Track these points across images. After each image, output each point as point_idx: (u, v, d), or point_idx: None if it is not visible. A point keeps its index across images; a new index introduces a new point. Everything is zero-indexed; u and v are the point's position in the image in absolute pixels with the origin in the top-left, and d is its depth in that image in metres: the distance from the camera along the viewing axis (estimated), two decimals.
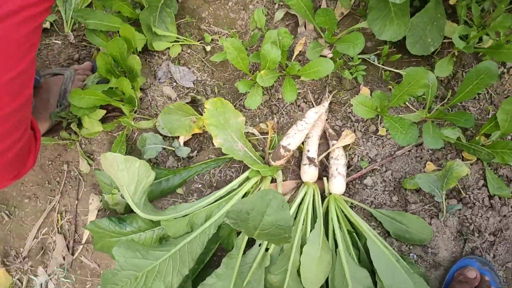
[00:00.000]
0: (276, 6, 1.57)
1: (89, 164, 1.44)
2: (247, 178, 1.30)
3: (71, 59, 1.58)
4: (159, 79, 1.51)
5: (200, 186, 1.41)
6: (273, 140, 1.35)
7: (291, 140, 1.26)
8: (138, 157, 1.36)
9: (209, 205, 1.25)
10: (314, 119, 1.29)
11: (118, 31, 1.40)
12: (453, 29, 1.40)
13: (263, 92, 1.46)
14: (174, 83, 1.51)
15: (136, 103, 1.43)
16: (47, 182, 1.46)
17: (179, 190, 1.39)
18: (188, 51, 1.54)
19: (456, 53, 1.41)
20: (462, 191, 1.27)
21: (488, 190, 1.26)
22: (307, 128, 1.28)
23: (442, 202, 1.20)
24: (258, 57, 1.41)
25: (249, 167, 1.28)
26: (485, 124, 1.25)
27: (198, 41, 1.55)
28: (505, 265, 1.23)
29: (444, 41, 1.43)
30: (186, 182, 1.40)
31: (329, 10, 1.36)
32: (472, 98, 1.35)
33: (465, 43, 1.31)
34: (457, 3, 1.44)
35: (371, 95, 1.41)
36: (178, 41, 1.52)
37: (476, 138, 1.27)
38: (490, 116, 1.35)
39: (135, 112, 1.47)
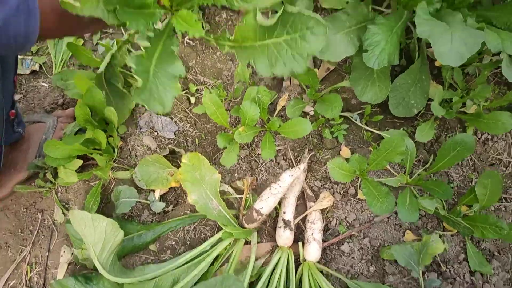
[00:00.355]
0: None
1: (63, 213, 1.42)
2: (220, 239, 1.26)
3: (55, 103, 1.58)
4: (141, 129, 1.50)
5: (173, 243, 1.37)
6: (248, 200, 1.31)
7: (263, 204, 1.22)
8: (113, 209, 1.35)
9: (177, 268, 1.21)
10: (288, 182, 1.25)
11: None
12: (439, 91, 1.38)
13: (243, 147, 1.44)
14: (155, 133, 1.50)
15: (116, 152, 1.42)
16: (20, 231, 1.43)
17: (152, 247, 1.36)
18: None
19: (439, 117, 1.38)
20: (442, 265, 1.22)
21: (469, 266, 1.20)
22: (281, 192, 1.24)
23: (419, 278, 1.15)
24: (239, 112, 1.40)
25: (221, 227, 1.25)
26: (464, 195, 1.21)
27: (183, 90, 1.55)
28: None
29: (429, 102, 1.40)
30: (159, 238, 1.37)
31: (312, 70, 1.35)
32: (455, 164, 1.31)
33: (446, 110, 1.29)
34: (443, 66, 1.43)
35: (351, 155, 1.38)
36: None
37: (457, 209, 1.23)
38: (472, 184, 1.31)
39: (114, 161, 1.45)
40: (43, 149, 1.28)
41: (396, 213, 1.29)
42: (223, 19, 1.65)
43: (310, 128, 1.27)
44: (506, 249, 1.24)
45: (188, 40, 1.62)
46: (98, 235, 1.15)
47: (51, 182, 1.41)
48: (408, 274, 1.23)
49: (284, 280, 1.19)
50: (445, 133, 1.38)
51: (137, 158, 1.47)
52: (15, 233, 1.43)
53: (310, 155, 1.38)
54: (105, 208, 1.42)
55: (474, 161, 1.34)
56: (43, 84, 1.62)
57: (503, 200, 1.29)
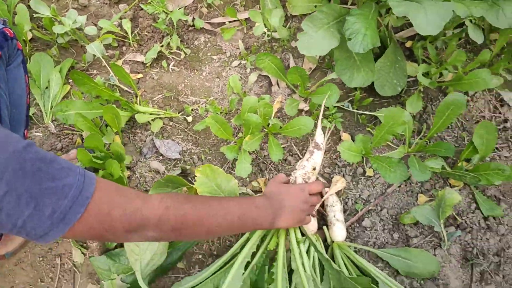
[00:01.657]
0: (248, 70, 1.66)
1: (83, 253, 1.40)
2: (247, 239, 1.29)
3: (54, 149, 1.58)
4: (145, 155, 1.53)
5: (200, 256, 1.38)
6: None
7: None
8: None
9: (213, 274, 1.22)
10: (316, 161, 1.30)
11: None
12: (414, 68, 1.52)
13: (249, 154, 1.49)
14: (161, 157, 1.53)
15: (125, 183, 1.43)
16: (39, 280, 1.39)
17: (180, 265, 1.36)
18: (170, 123, 1.58)
19: (421, 90, 1.51)
20: (457, 217, 1.30)
21: (481, 212, 1.30)
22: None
23: (442, 231, 1.22)
24: (240, 120, 1.46)
25: None
26: (464, 150, 1.32)
27: (178, 112, 1.60)
28: None
29: (408, 80, 1.54)
30: (185, 255, 1.37)
31: (300, 68, 1.45)
32: (446, 128, 1.43)
33: (429, 80, 1.41)
34: (413, 45, 1.58)
35: (352, 139, 1.47)
36: (159, 115, 1.56)
37: (459, 164, 1.33)
38: (466, 142, 1.43)
39: None
40: None
41: (405, 181, 1.38)
42: (201, 42, 1.74)
43: (313, 123, 1.35)
44: (509, 192, 1.35)
45: (172, 67, 1.69)
46: (148, 254, 1.17)
47: None
48: (430, 233, 1.30)
49: (318, 264, 1.23)
50: (430, 102, 1.51)
51: (147, 185, 1.49)
52: (35, 284, 1.39)
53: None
54: None
55: (462, 122, 1.47)
56: (37, 134, 1.62)
57: (495, 150, 1.41)
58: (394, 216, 1.35)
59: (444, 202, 1.18)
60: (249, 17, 1.66)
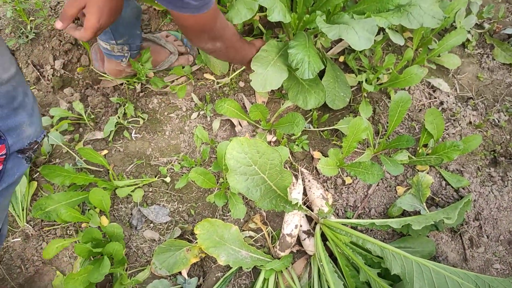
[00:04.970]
0: (208, 118, 1.74)
1: None
2: (265, 280, 1.34)
3: (41, 248, 1.52)
4: (136, 227, 1.53)
5: None
6: (268, 231, 1.42)
7: (291, 226, 1.35)
8: None
9: None
10: (300, 198, 1.41)
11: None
12: (353, 78, 1.70)
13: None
14: (151, 224, 1.53)
15: (125, 261, 1.42)
16: None
17: None
18: (151, 189, 1.60)
19: (366, 95, 1.69)
20: (434, 197, 1.46)
21: (452, 186, 1.47)
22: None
23: (426, 211, 1.37)
24: (219, 166, 1.53)
25: (259, 268, 1.33)
26: (420, 137, 1.50)
27: (155, 176, 1.62)
28: (498, 239, 1.41)
29: (352, 89, 1.71)
30: None
31: (259, 104, 1.56)
32: (400, 123, 1.61)
33: (371, 85, 1.59)
34: (346, 59, 1.76)
35: (323, 155, 1.60)
36: (138, 185, 1.58)
37: (420, 151, 1.51)
38: (417, 130, 1.62)
39: (126, 270, 1.44)
40: (64, 285, 1.25)
41: (381, 179, 1.52)
42: (156, 104, 1.79)
43: (288, 152, 1.47)
44: (466, 162, 1.55)
45: (135, 135, 1.72)
46: None
47: None
48: None
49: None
50: (376, 105, 1.68)
51: (146, 255, 1.49)
52: None
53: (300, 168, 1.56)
54: None
55: (408, 114, 1.66)
56: (16, 239, 1.55)
57: (444, 130, 1.61)
58: (382, 213, 1.48)
59: (421, 185, 1.33)
60: (193, 71, 1.75)
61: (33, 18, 1.86)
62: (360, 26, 1.31)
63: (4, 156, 0.94)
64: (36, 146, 1.02)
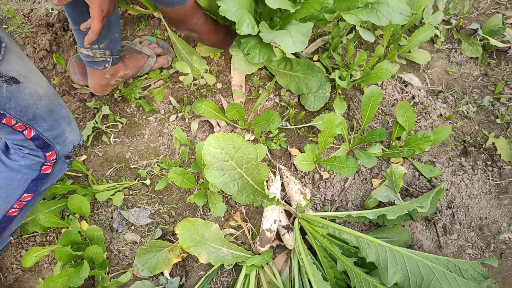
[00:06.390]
0: (186, 120, 1.75)
1: None
2: (246, 276, 1.35)
3: (20, 256, 1.51)
4: (117, 231, 1.53)
5: None
6: (249, 228, 1.44)
7: (270, 221, 1.37)
8: None
9: None
10: (278, 194, 1.43)
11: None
12: (328, 76, 1.74)
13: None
14: (132, 227, 1.54)
15: (107, 264, 1.42)
16: None
17: None
18: (131, 192, 1.60)
19: (340, 92, 1.73)
20: (408, 188, 1.51)
21: (425, 177, 1.52)
22: (276, 206, 1.41)
23: (400, 201, 1.41)
24: (198, 167, 1.54)
25: (240, 265, 1.35)
26: (393, 130, 1.55)
27: (135, 180, 1.63)
28: (470, 226, 1.46)
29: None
30: None
31: (236, 104, 1.58)
32: (374, 118, 1.66)
33: (344, 82, 1.64)
34: (320, 58, 1.80)
35: (300, 151, 1.63)
36: (118, 188, 1.58)
37: (393, 144, 1.55)
38: (390, 124, 1.67)
39: (108, 274, 1.44)
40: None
41: (356, 172, 1.56)
42: (133, 108, 1.80)
43: (266, 150, 1.49)
44: (438, 153, 1.60)
45: (113, 139, 1.73)
46: None
47: None
48: None
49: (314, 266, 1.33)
50: (351, 101, 1.73)
51: (127, 258, 1.49)
52: None
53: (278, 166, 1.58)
54: None
55: (381, 109, 1.70)
56: None
57: (415, 123, 1.66)
58: (359, 205, 1.51)
59: (394, 176, 1.37)
60: (170, 74, 1.76)
61: (6, 26, 1.85)
62: (296, 29, 1.29)
63: (54, 161, 1.14)
64: (78, 150, 1.22)
